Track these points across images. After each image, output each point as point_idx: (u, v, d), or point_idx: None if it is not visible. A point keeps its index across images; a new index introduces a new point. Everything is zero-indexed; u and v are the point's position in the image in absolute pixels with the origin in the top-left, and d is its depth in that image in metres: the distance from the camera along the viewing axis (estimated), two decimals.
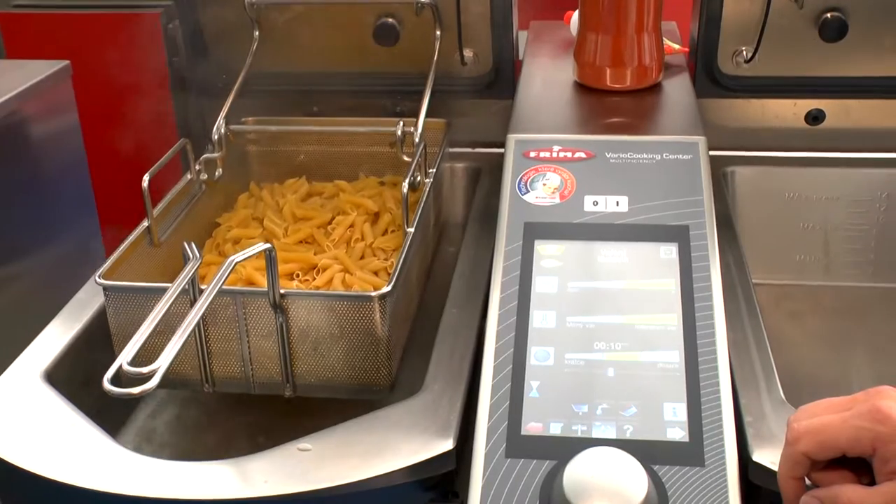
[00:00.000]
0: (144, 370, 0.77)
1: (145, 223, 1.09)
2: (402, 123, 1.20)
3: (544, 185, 1.02)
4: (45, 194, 1.57)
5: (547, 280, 0.93)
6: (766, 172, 1.36)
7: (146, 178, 1.06)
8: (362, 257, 1.17)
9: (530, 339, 0.88)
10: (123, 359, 0.78)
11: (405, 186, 1.06)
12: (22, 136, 1.51)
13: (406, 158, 1.19)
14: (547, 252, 0.95)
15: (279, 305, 0.95)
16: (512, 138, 1.09)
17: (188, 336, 0.83)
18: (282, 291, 0.95)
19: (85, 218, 1.68)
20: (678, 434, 0.81)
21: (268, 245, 0.92)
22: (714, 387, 0.84)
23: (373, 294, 0.95)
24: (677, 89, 1.25)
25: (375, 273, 1.14)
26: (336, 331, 0.96)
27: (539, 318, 0.90)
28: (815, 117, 1.38)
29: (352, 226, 1.22)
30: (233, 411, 1.10)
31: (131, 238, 1.07)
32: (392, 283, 0.96)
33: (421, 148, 1.15)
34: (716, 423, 0.81)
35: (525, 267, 0.94)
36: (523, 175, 1.04)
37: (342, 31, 1.42)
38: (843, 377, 1.20)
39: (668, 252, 0.94)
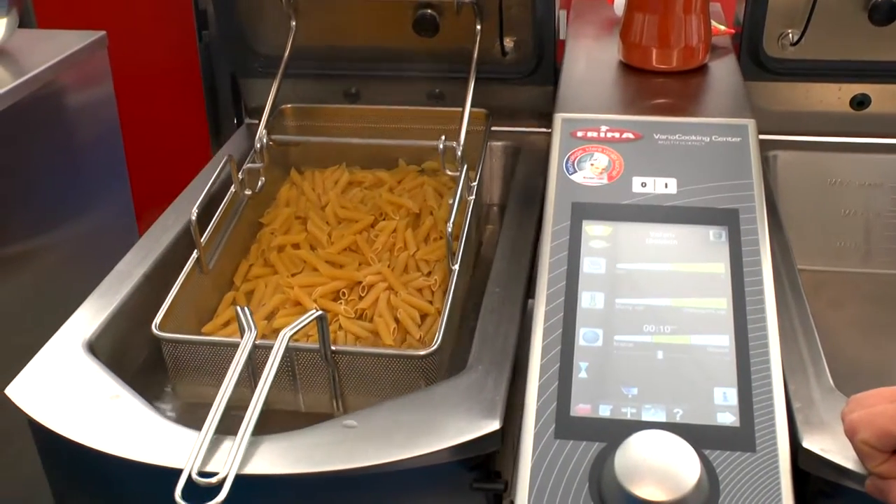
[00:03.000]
0: (213, 480, 0.79)
1: (195, 255, 1.10)
2: (444, 137, 1.20)
3: (592, 165, 1.01)
4: (80, 165, 1.56)
5: (595, 261, 0.92)
6: (809, 157, 1.34)
7: (195, 211, 1.06)
8: (406, 268, 1.18)
9: (579, 320, 0.87)
10: (191, 468, 0.80)
11: (449, 225, 1.05)
12: (58, 107, 1.50)
13: (449, 173, 1.19)
14: (595, 233, 0.94)
15: (330, 360, 0.97)
16: (559, 117, 1.07)
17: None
18: (333, 348, 0.96)
19: (118, 189, 1.67)
20: (729, 419, 0.80)
21: (320, 312, 0.94)
22: (765, 372, 0.83)
23: (421, 353, 0.96)
24: (724, 71, 1.23)
25: (419, 290, 1.15)
26: (385, 377, 0.98)
27: (587, 299, 0.89)
28: (860, 102, 1.36)
29: (394, 231, 1.23)
30: None
31: (182, 277, 1.07)
32: (438, 342, 0.96)
33: (464, 169, 1.15)
34: (767, 408, 0.80)
35: (573, 247, 0.93)
36: (571, 155, 1.02)
37: (381, 19, 1.40)
38: (884, 365, 1.18)
39: (718, 235, 0.93)
